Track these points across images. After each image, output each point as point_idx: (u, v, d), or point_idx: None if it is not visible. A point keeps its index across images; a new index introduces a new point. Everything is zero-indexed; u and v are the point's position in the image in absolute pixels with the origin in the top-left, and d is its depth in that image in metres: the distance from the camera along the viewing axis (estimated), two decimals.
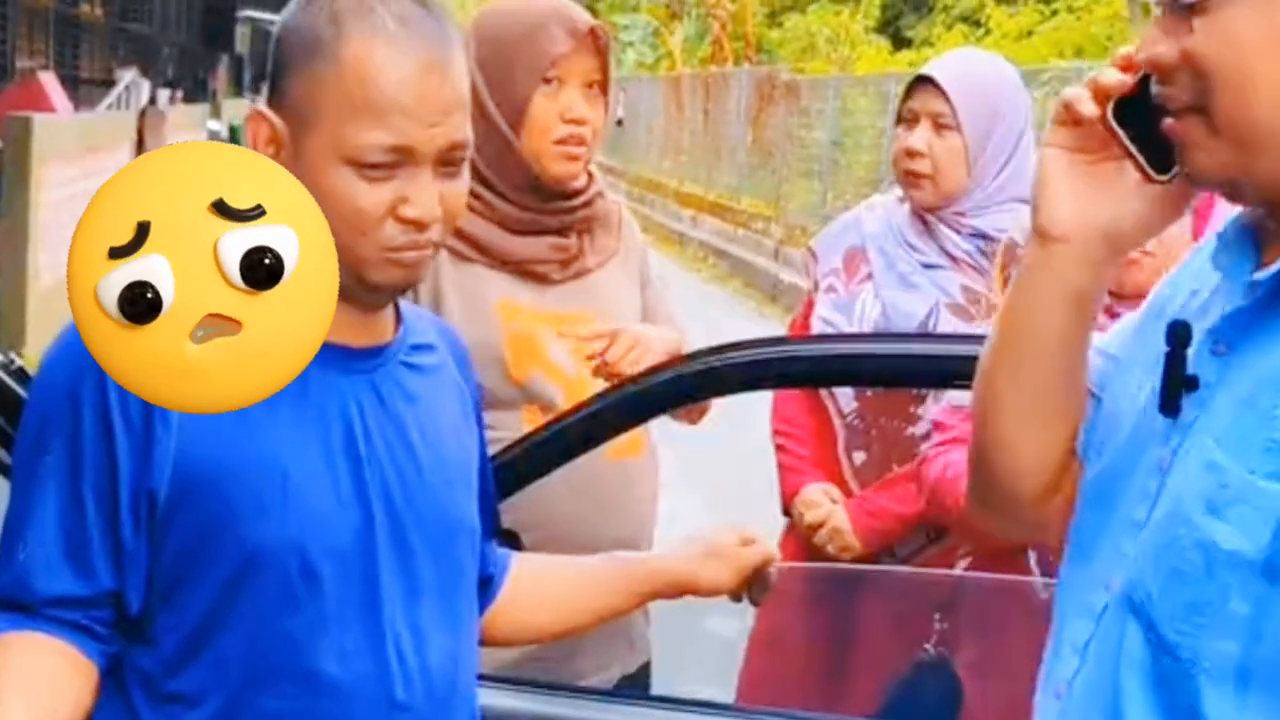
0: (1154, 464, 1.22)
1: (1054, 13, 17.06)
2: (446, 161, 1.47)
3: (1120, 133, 1.24)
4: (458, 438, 1.60)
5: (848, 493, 2.69)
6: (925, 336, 2.51)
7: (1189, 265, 1.34)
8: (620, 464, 2.31)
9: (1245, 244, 1.23)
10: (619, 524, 2.29)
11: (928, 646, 2.43)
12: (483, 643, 1.67)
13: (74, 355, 1.43)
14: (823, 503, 2.68)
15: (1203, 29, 1.15)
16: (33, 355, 2.12)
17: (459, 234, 2.23)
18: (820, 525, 2.66)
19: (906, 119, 2.68)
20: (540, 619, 1.78)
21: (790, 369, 2.11)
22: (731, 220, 17.86)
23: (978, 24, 18.72)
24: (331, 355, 1.47)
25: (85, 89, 16.95)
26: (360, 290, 1.48)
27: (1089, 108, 1.26)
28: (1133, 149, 1.24)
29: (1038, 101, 12.62)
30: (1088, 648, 1.24)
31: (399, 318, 1.57)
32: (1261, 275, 1.18)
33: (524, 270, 2.30)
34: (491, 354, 2.22)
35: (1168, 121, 1.20)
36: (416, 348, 1.58)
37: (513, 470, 1.96)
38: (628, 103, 25.64)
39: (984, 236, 2.65)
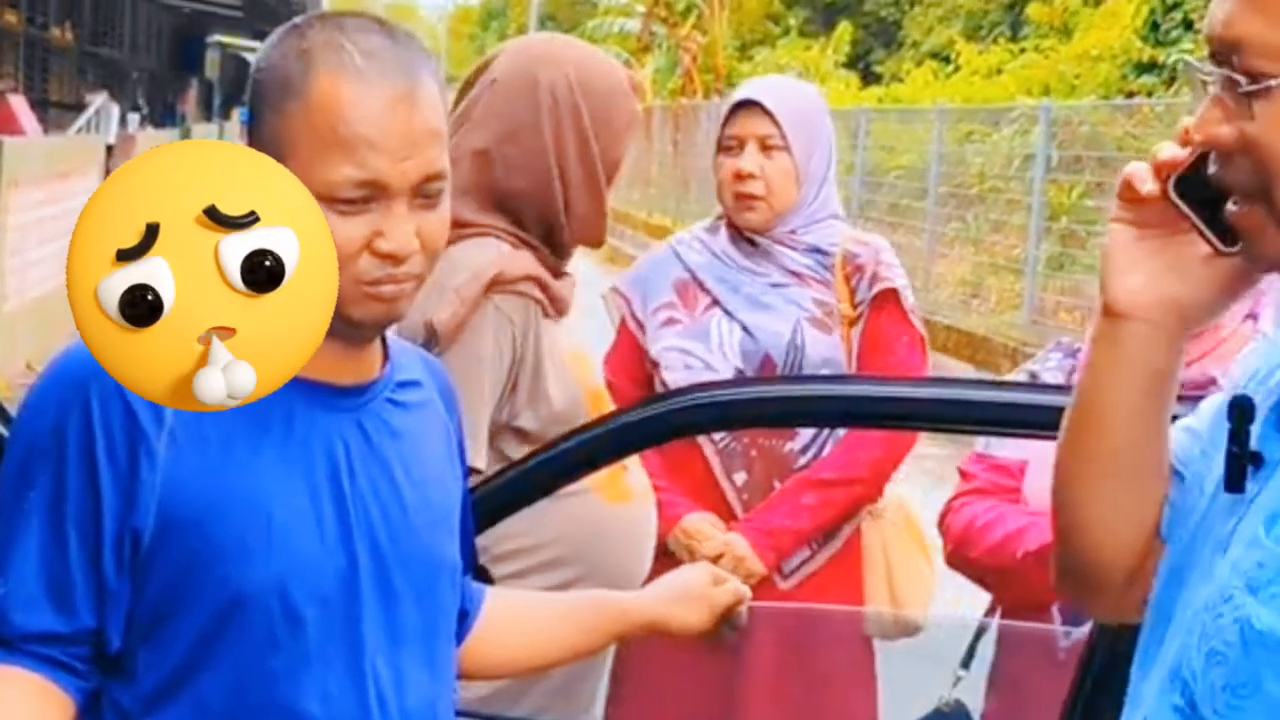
0: (1217, 542, 1.19)
1: (1022, 50, 17.21)
2: (423, 194, 1.47)
3: (1184, 207, 1.21)
4: (442, 476, 1.60)
5: (731, 514, 2.71)
6: (903, 380, 2.54)
7: (1277, 341, 1.30)
8: (648, 505, 2.34)
9: None
10: (642, 565, 2.30)
11: (944, 695, 2.44)
12: (456, 677, 1.66)
13: (61, 390, 1.44)
14: (713, 534, 2.68)
15: (1263, 115, 1.12)
16: None
17: (545, 289, 2.24)
18: (718, 557, 2.64)
19: (729, 146, 2.74)
20: (513, 654, 1.79)
21: (765, 410, 2.13)
22: None
23: (947, 60, 18.85)
24: (317, 393, 1.48)
25: (55, 112, 16.88)
26: (341, 327, 1.47)
27: (1149, 185, 1.22)
28: (1198, 223, 1.20)
29: (1006, 139, 12.72)
30: None
31: (386, 354, 1.57)
32: None
33: (561, 315, 2.33)
34: (579, 412, 2.23)
35: (1229, 209, 1.17)
36: (403, 384, 1.58)
37: (486, 505, 1.97)
38: None
39: (819, 251, 2.73)
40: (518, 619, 1.79)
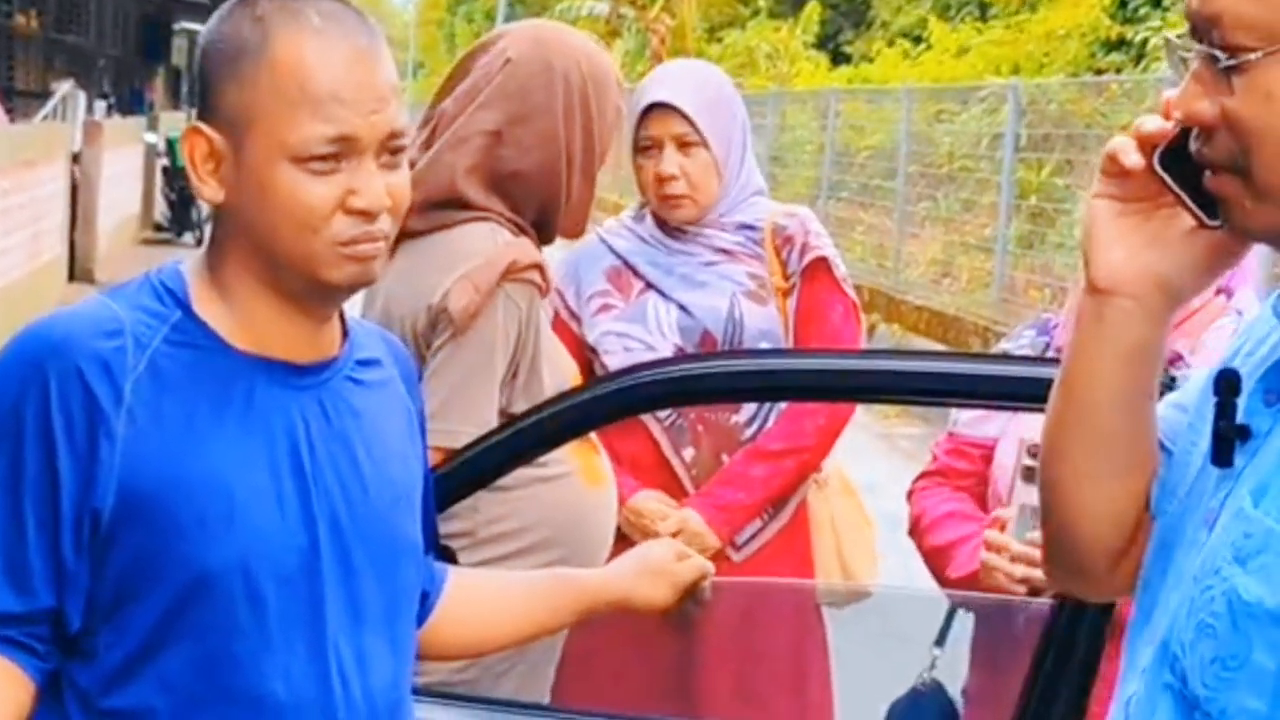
0: (1203, 516, 1.19)
1: (990, 28, 17.22)
2: (388, 150, 1.47)
3: (1168, 180, 1.20)
4: (403, 455, 1.60)
5: (682, 490, 2.72)
6: (842, 352, 2.55)
7: (1262, 315, 1.29)
8: (614, 488, 2.35)
9: None
10: (606, 545, 2.31)
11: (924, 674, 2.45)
12: (419, 657, 1.67)
13: (18, 369, 1.43)
14: (666, 511, 2.69)
15: (1242, 89, 1.12)
16: None
17: (545, 276, 2.25)
18: (676, 534, 2.63)
19: (645, 147, 2.75)
20: (475, 633, 1.79)
21: (716, 385, 2.14)
22: None
23: (918, 39, 18.86)
24: (277, 371, 1.48)
25: (21, 100, 16.75)
26: (316, 293, 1.48)
27: (1133, 158, 1.22)
28: (1183, 196, 1.20)
29: (975, 118, 12.74)
30: (1130, 703, 1.22)
31: (345, 332, 1.57)
32: None
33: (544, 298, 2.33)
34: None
35: (1208, 178, 1.17)
36: (363, 363, 1.57)
37: (452, 481, 1.97)
38: None
39: (748, 226, 2.76)
40: (480, 599, 1.79)
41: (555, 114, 2.28)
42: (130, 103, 23.37)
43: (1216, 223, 1.19)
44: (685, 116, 2.71)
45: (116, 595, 1.43)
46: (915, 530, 2.44)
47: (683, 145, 2.72)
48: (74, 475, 1.40)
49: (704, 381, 2.11)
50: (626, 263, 2.79)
